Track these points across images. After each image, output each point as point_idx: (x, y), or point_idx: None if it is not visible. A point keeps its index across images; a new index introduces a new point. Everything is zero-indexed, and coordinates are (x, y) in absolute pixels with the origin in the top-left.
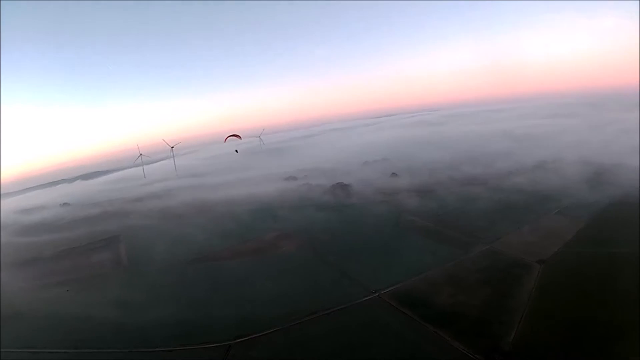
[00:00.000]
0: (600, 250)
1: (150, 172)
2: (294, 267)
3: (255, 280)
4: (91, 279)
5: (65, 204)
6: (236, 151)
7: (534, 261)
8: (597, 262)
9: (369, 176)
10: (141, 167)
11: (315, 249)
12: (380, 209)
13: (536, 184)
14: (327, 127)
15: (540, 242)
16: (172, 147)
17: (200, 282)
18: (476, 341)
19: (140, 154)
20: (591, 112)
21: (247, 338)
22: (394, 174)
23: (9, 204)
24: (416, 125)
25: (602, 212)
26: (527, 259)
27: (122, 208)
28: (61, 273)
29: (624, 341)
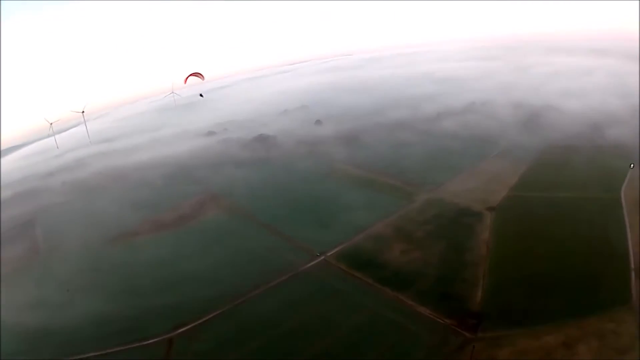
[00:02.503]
0: (547, 194)
1: (63, 141)
2: (224, 234)
3: (184, 256)
4: (9, 276)
5: None
6: (201, 95)
7: (483, 209)
8: (547, 207)
9: (290, 125)
10: (53, 137)
11: (245, 211)
12: (308, 160)
13: (469, 127)
14: (239, 78)
15: (484, 187)
16: (83, 112)
17: (124, 266)
18: (442, 304)
19: (51, 124)
20: (510, 55)
21: (188, 327)
22: (317, 122)
23: None
24: (333, 70)
25: (542, 155)
26: (476, 207)
27: (34, 187)
28: None
29: (593, 287)
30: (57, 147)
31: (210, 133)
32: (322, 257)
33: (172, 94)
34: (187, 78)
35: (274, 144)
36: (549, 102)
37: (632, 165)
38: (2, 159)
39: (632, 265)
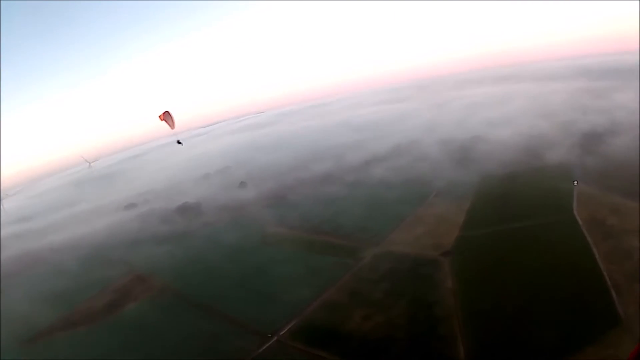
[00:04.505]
0: (499, 228)
1: None
2: (158, 322)
3: (115, 355)
4: None
5: None
6: (179, 142)
7: (438, 255)
8: (504, 241)
9: (214, 190)
10: None
11: (177, 293)
12: (238, 227)
13: (399, 171)
14: (153, 144)
15: (432, 232)
16: None
17: None
18: None
19: None
20: (422, 94)
21: None
22: (242, 184)
23: None
24: (248, 129)
25: (481, 188)
26: (430, 254)
27: None
28: None
29: (579, 315)
30: None
31: (130, 206)
32: (275, 338)
33: (89, 165)
34: (162, 114)
35: (199, 213)
36: (476, 134)
37: (575, 182)
38: None
39: (610, 283)
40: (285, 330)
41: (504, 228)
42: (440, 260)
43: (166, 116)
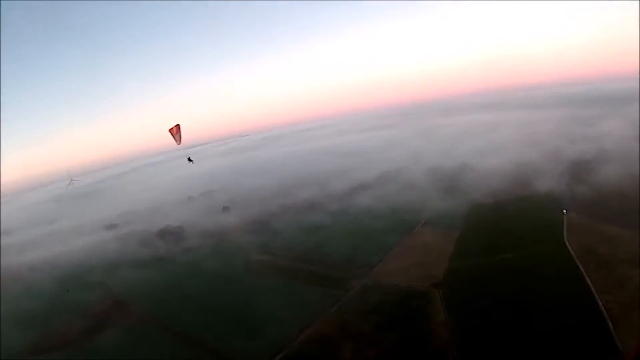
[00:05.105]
0: (491, 258)
1: None
2: (135, 353)
3: None
4: None
5: None
6: (190, 160)
7: (428, 286)
8: (496, 272)
9: (197, 214)
10: None
11: (158, 321)
12: (221, 254)
13: (386, 199)
14: (138, 164)
15: (422, 262)
16: None
17: None
18: None
19: None
20: (408, 121)
21: None
22: (225, 208)
23: None
24: (232, 152)
25: (470, 217)
26: (420, 286)
27: None
28: None
29: (578, 347)
30: None
31: (111, 226)
32: None
33: (70, 182)
34: (175, 127)
35: (182, 237)
36: (463, 162)
37: (565, 211)
38: None
39: (606, 313)
40: None
41: (495, 258)
42: (431, 292)
43: (176, 130)
